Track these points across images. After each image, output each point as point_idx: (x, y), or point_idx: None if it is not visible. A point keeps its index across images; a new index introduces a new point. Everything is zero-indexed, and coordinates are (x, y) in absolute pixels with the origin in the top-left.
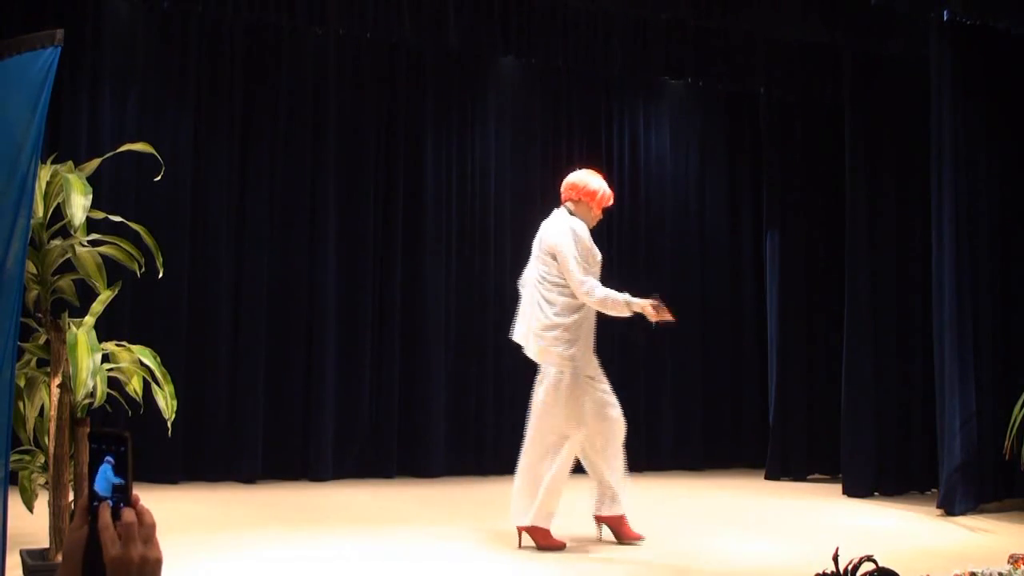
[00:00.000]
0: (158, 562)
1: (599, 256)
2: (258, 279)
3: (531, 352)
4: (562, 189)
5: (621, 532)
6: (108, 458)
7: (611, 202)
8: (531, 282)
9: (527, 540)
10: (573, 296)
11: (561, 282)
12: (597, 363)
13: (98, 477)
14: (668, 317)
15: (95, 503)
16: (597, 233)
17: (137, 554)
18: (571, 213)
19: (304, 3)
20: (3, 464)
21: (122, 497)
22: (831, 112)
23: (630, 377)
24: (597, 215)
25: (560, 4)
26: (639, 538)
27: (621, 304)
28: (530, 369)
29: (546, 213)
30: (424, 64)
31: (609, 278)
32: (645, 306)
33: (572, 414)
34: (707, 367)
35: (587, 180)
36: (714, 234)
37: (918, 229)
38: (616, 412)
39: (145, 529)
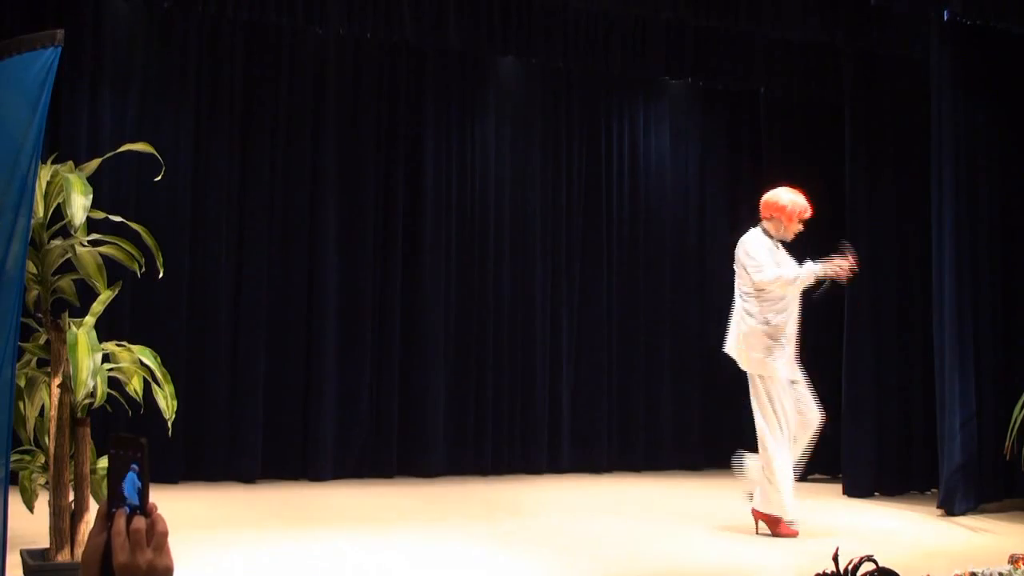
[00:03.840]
0: (167, 570)
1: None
2: (258, 279)
3: (740, 363)
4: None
5: (776, 528)
6: (133, 465)
7: (807, 213)
8: (736, 297)
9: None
10: (763, 304)
11: (753, 292)
12: (797, 367)
13: (126, 484)
14: (847, 265)
15: (113, 510)
16: (599, 232)
17: (145, 561)
18: (764, 230)
19: (304, 3)
20: (3, 464)
21: (139, 504)
22: (831, 111)
23: (630, 377)
24: (793, 227)
25: (560, 4)
26: (794, 535)
27: (792, 280)
28: (530, 369)
29: (547, 213)
30: (424, 64)
31: (609, 277)
32: (827, 269)
33: (776, 414)
34: (707, 366)
35: (777, 196)
36: (714, 233)
37: (918, 229)
38: (811, 415)
39: (157, 537)
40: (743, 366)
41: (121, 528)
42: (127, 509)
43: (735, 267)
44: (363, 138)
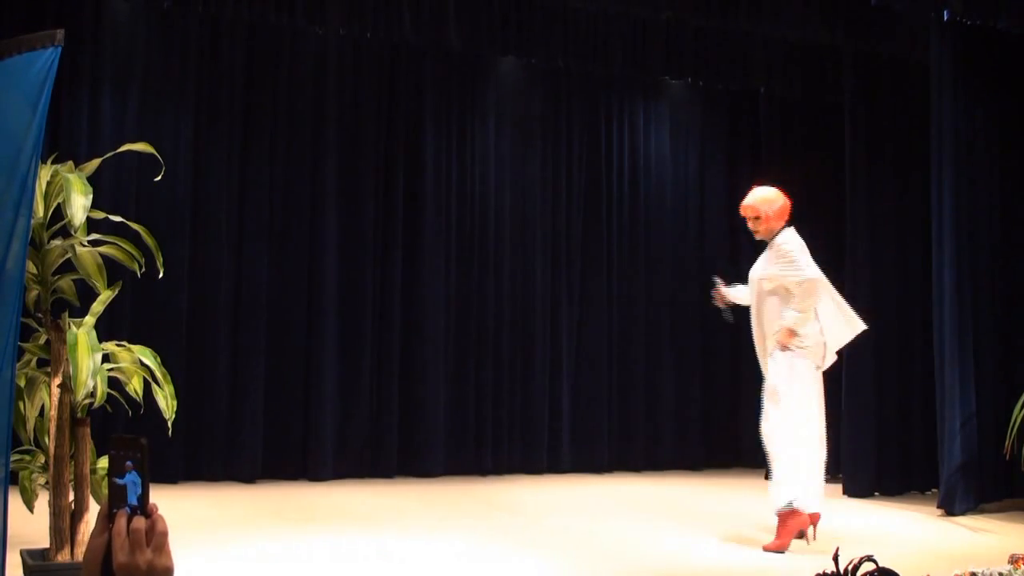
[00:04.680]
0: (167, 570)
1: (753, 275)
2: (258, 279)
3: None
4: None
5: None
6: (129, 463)
7: (744, 212)
8: None
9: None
10: None
11: None
12: (768, 365)
13: (127, 484)
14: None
15: (113, 511)
16: (599, 232)
17: (144, 561)
18: None
19: (304, 3)
20: (3, 464)
21: (139, 504)
22: (831, 111)
23: (630, 377)
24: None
25: (560, 4)
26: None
27: None
28: (530, 369)
29: (547, 213)
30: (424, 64)
31: (609, 278)
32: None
33: None
34: (707, 367)
35: None
36: (714, 234)
37: (918, 229)
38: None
39: (157, 537)
40: None
41: (121, 528)
42: (128, 510)
43: None
44: (363, 138)
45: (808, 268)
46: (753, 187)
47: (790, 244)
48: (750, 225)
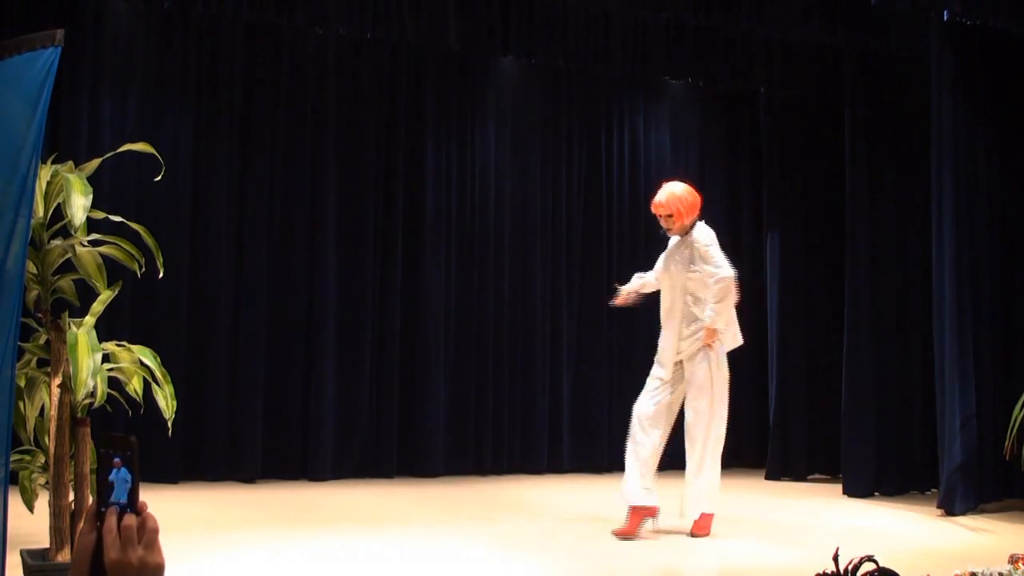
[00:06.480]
0: (159, 567)
1: (676, 272)
2: (258, 278)
3: None
4: None
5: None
6: (117, 460)
7: (655, 210)
8: None
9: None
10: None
11: None
12: (687, 365)
13: (116, 482)
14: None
15: (102, 508)
16: (599, 232)
17: (136, 558)
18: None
19: (304, 3)
20: (3, 464)
21: (129, 502)
22: (831, 112)
23: (630, 377)
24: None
25: (560, 4)
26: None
27: None
28: (530, 368)
29: (547, 213)
30: (424, 64)
31: (609, 277)
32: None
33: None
34: None
35: None
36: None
37: (918, 229)
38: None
39: (147, 534)
40: None
41: (112, 526)
42: (117, 507)
43: None
44: (363, 138)
45: (725, 266)
46: (662, 184)
47: (705, 239)
48: (663, 223)
